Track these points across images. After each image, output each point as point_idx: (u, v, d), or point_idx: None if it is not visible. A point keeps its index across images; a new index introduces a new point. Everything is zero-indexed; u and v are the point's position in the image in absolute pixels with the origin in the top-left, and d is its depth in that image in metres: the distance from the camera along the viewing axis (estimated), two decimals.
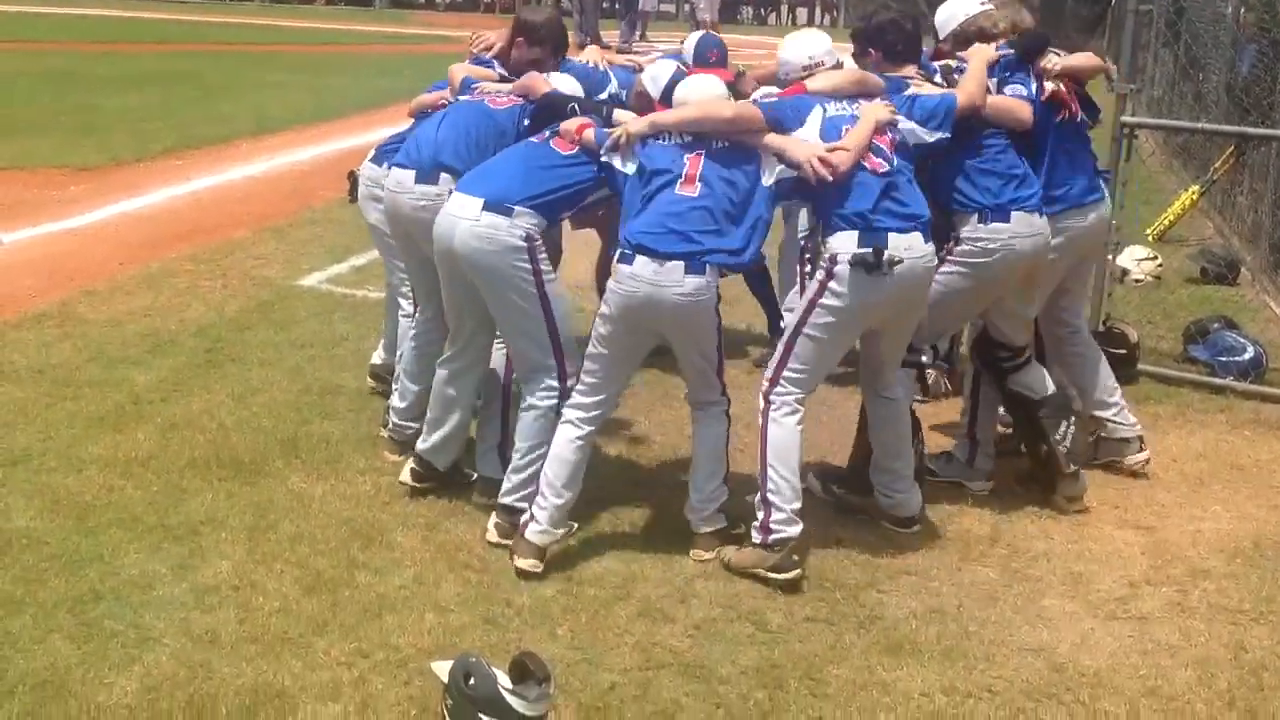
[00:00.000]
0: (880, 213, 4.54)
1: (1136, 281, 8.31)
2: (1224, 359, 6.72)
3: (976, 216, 4.93)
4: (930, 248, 4.65)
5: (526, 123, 5.10)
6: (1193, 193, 9.85)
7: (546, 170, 4.78)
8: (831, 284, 4.55)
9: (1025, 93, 5.11)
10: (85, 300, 7.49)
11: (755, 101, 4.85)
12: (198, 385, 6.22)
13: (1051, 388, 5.31)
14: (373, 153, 5.86)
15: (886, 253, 4.46)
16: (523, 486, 4.75)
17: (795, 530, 4.55)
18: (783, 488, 4.56)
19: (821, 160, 4.51)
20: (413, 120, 5.67)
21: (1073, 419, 5.42)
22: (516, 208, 4.66)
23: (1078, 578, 4.69)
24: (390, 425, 5.51)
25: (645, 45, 22.99)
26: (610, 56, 5.95)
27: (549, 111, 5.01)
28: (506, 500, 4.78)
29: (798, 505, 4.59)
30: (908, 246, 4.53)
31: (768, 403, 4.65)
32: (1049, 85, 5.17)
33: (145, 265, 8.26)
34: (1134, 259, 8.39)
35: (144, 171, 11.35)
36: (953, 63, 5.20)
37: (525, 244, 4.65)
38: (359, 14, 29.79)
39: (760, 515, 4.58)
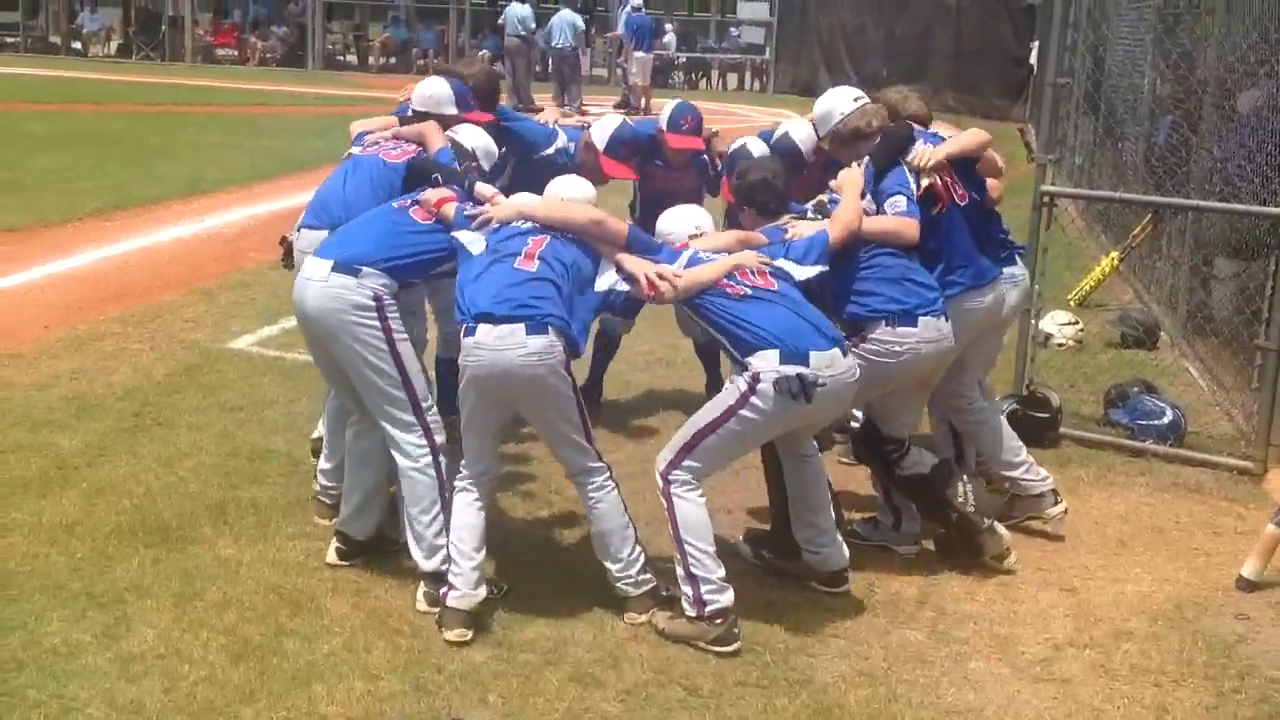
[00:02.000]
0: (798, 331, 4.61)
1: (1059, 346, 8.47)
2: (1144, 423, 6.85)
3: (884, 321, 4.99)
4: (851, 362, 4.72)
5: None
6: (1113, 259, 10.07)
7: (400, 235, 4.85)
8: (754, 399, 4.57)
9: (904, 204, 5.10)
10: (10, 363, 7.39)
11: (630, 228, 4.94)
12: (124, 450, 6.15)
13: (932, 458, 5.36)
14: (302, 217, 5.84)
15: (810, 375, 4.51)
16: (433, 553, 4.76)
17: (728, 597, 4.58)
18: (703, 560, 4.59)
19: (659, 275, 4.66)
20: None
21: (965, 478, 5.52)
22: (364, 268, 4.70)
23: (1004, 639, 4.76)
24: (318, 488, 5.48)
25: (583, 107, 23.19)
26: (563, 118, 6.04)
27: (418, 175, 5.13)
28: (428, 568, 4.77)
29: (722, 573, 4.62)
30: (829, 365, 4.59)
31: (667, 481, 4.68)
32: (923, 180, 5.20)
33: (72, 328, 8.17)
34: (1056, 324, 8.55)
35: (72, 232, 11.24)
36: (825, 196, 5.27)
37: (373, 303, 4.69)
38: (291, 75, 29.79)
39: (689, 590, 4.59)
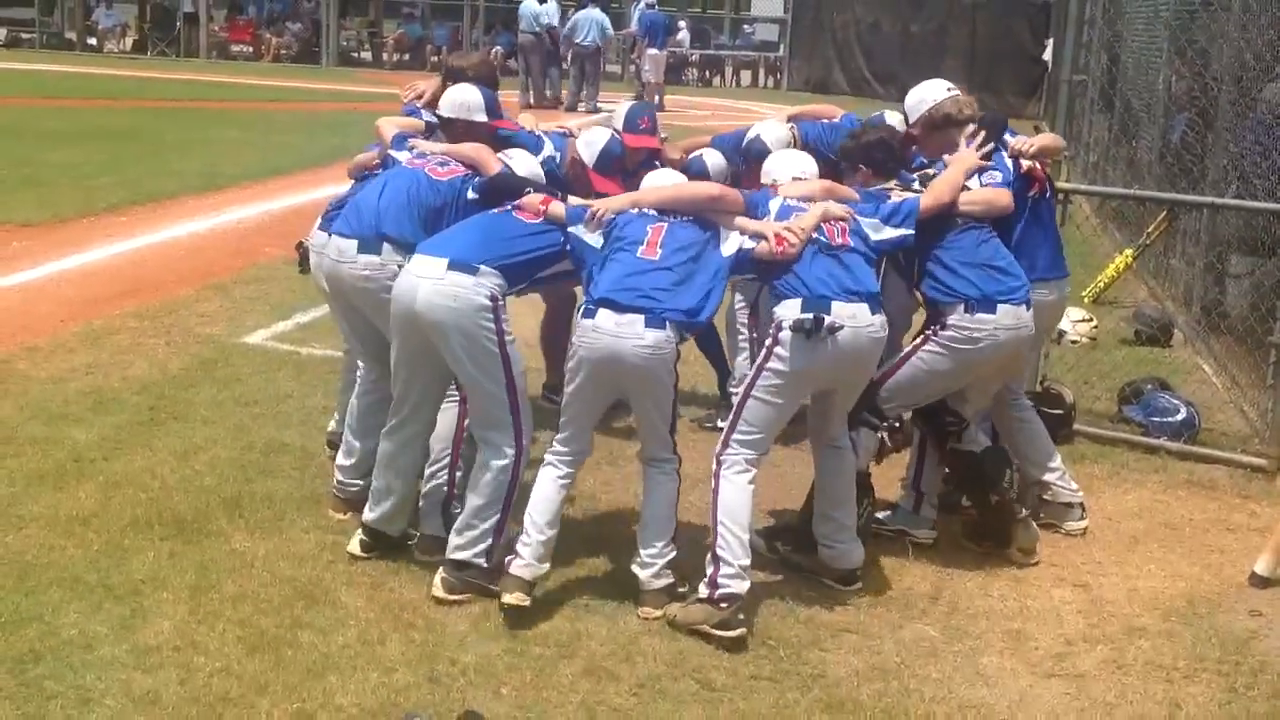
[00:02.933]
0: (825, 283, 4.70)
1: (1073, 343, 8.46)
2: (1157, 420, 6.85)
3: (963, 307, 5.02)
4: (879, 318, 4.76)
5: (472, 195, 5.13)
6: (1127, 256, 10.06)
7: (510, 239, 4.86)
8: (777, 349, 4.68)
9: (1001, 178, 5.22)
10: (27, 357, 7.43)
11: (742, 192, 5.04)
12: (140, 443, 6.18)
13: (988, 441, 5.44)
14: (319, 220, 5.79)
15: (827, 319, 4.59)
16: (473, 543, 4.78)
17: (742, 586, 4.60)
18: (732, 544, 4.63)
19: (787, 229, 4.73)
20: (352, 182, 5.71)
21: (1015, 466, 5.54)
22: (482, 267, 4.71)
23: (1016, 635, 4.76)
24: (335, 483, 5.51)
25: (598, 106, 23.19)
26: (544, 125, 6.00)
27: (503, 193, 5.09)
28: (457, 556, 4.79)
29: (746, 562, 4.65)
30: (851, 315, 4.67)
31: (719, 462, 4.76)
32: (1025, 163, 5.33)
33: (88, 322, 8.20)
34: (1070, 321, 8.54)
35: (87, 227, 11.28)
36: (931, 171, 5.32)
37: (490, 303, 4.70)
38: (306, 71, 29.85)
39: (709, 570, 4.64)
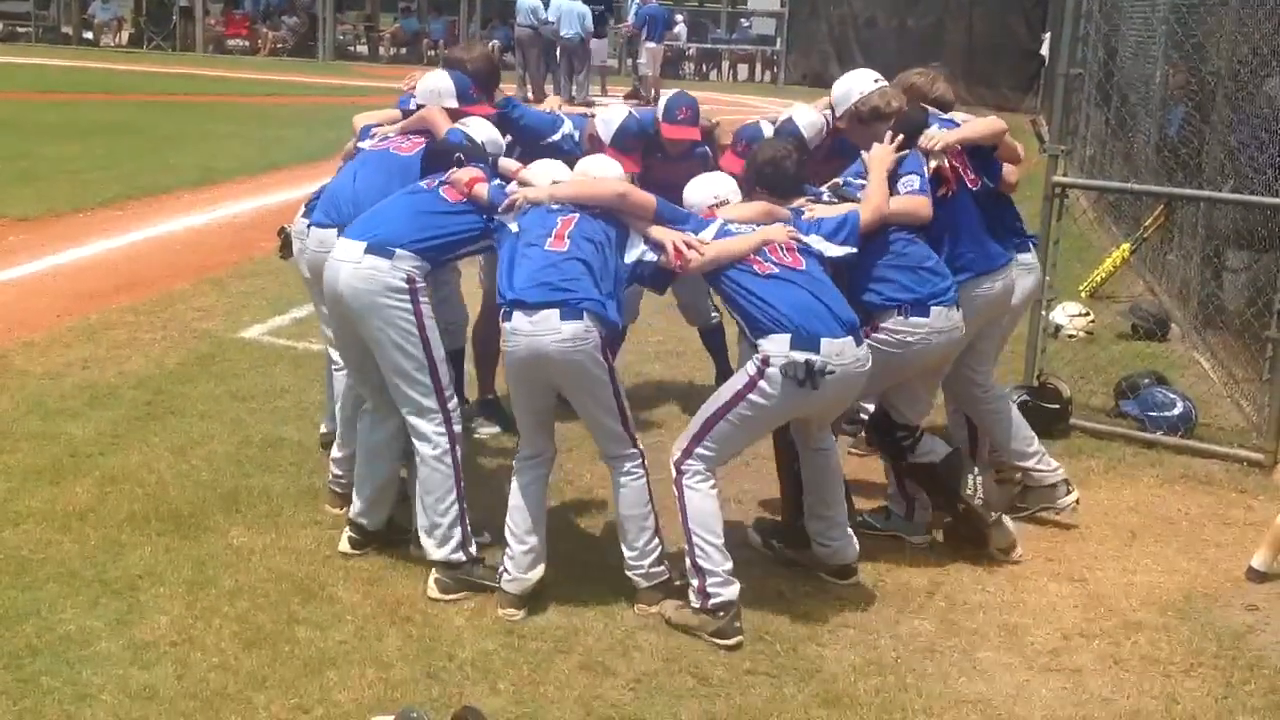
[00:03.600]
0: (809, 315, 4.60)
1: (1070, 337, 8.47)
2: (1154, 414, 6.85)
3: (897, 310, 4.97)
4: (863, 351, 4.69)
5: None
6: (1124, 250, 10.06)
7: (432, 216, 4.86)
8: (762, 384, 4.58)
9: (918, 184, 5.09)
10: (23, 352, 7.42)
11: (658, 199, 4.93)
12: (136, 438, 6.18)
13: (945, 448, 5.35)
14: (303, 208, 5.79)
15: (819, 362, 4.50)
16: (445, 541, 4.78)
17: (732, 591, 4.59)
18: (710, 552, 4.61)
19: (686, 244, 4.67)
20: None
21: (975, 471, 5.52)
22: (398, 250, 4.71)
23: (1013, 630, 4.77)
24: (330, 477, 5.50)
25: (589, 98, 23.19)
26: (568, 106, 6.00)
27: (438, 158, 5.11)
28: (437, 557, 4.79)
29: (729, 565, 4.62)
30: (839, 353, 4.56)
31: (680, 472, 4.70)
32: (932, 162, 5.18)
33: (84, 317, 8.20)
34: (1067, 315, 8.56)
35: (84, 222, 11.28)
36: (840, 180, 5.24)
37: (406, 285, 4.70)
38: (302, 65, 29.81)
39: (695, 582, 4.61)
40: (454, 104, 5.47)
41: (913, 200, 5.07)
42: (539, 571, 4.72)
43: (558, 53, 23.96)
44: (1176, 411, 6.85)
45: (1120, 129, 11.47)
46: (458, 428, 4.85)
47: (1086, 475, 6.21)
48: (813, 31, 30.15)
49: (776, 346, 4.56)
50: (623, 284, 4.78)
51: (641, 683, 4.27)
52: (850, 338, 4.63)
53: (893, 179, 5.11)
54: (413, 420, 4.83)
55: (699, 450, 4.69)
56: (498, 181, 4.98)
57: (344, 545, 5.08)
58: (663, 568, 4.76)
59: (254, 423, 6.46)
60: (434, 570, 4.80)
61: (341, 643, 4.42)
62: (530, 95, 22.81)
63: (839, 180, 5.26)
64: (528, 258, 4.64)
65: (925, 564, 5.25)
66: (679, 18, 31.86)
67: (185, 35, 32.77)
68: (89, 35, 33.93)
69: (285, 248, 6.00)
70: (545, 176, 5.02)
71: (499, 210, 4.83)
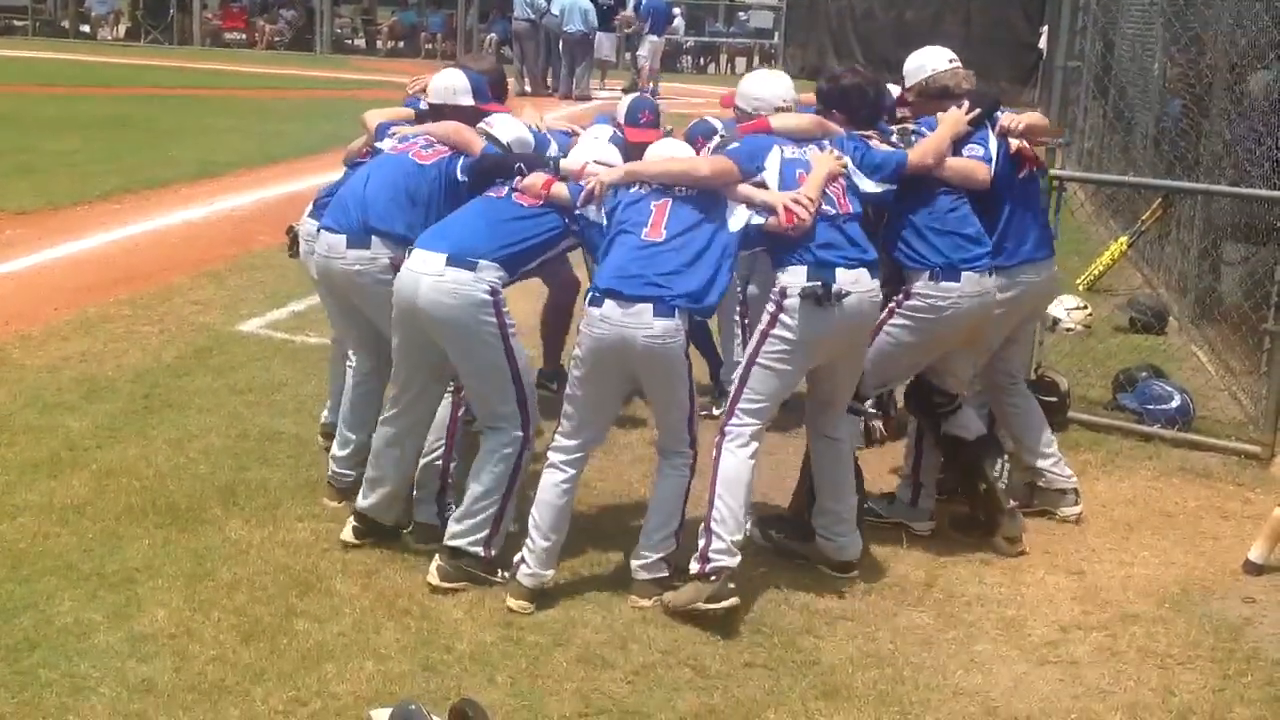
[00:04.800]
0: (829, 249, 4.68)
1: (1067, 330, 8.47)
2: (1152, 407, 6.85)
3: (928, 274, 5.03)
4: (876, 284, 4.78)
5: (461, 177, 5.07)
6: (1122, 243, 10.06)
7: (510, 223, 4.81)
8: (782, 316, 4.67)
9: (982, 153, 5.20)
10: (20, 345, 7.42)
11: (724, 151, 4.95)
12: (134, 431, 6.18)
13: (983, 428, 5.43)
14: (310, 206, 5.78)
15: (835, 286, 4.59)
16: (472, 531, 4.77)
17: (733, 561, 4.61)
18: (727, 517, 4.64)
19: (795, 201, 4.66)
20: (345, 169, 5.68)
21: (1006, 457, 5.52)
22: (480, 261, 4.67)
23: (1011, 622, 4.77)
24: (330, 473, 5.50)
25: (588, 92, 23.18)
26: (550, 122, 5.95)
27: (495, 172, 5.02)
28: (455, 543, 4.78)
29: (739, 538, 4.67)
30: (854, 280, 4.67)
31: (723, 434, 4.76)
32: (1013, 142, 5.29)
33: (82, 310, 8.19)
34: (1065, 308, 8.55)
35: (81, 215, 11.26)
36: (910, 125, 5.30)
37: (490, 297, 4.67)
38: (300, 59, 29.77)
39: (701, 543, 4.65)
40: (469, 101, 5.40)
41: (972, 163, 5.16)
42: (551, 572, 4.73)
43: (560, 46, 23.92)
44: (1174, 405, 6.85)
45: (1118, 121, 11.46)
46: (531, 431, 4.83)
47: (1084, 468, 6.21)
48: (810, 24, 30.11)
49: (793, 278, 4.65)
50: (732, 256, 4.75)
51: (640, 675, 4.27)
52: (865, 269, 4.71)
53: (959, 146, 5.18)
54: (489, 421, 4.83)
55: (741, 404, 4.75)
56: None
57: (346, 534, 5.07)
58: (665, 569, 4.76)
59: (252, 416, 6.46)
60: (437, 557, 4.79)
61: (339, 635, 4.42)
62: (528, 89, 22.80)
63: (910, 126, 5.30)
64: (622, 245, 4.64)
65: (923, 556, 5.26)
66: (676, 11, 31.79)
67: (182, 28, 32.72)
68: (86, 28, 33.87)
69: (294, 246, 5.99)
70: (586, 155, 5.00)
71: (579, 204, 4.80)
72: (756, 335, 4.79)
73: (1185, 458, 6.48)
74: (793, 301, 4.64)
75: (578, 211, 4.82)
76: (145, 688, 4.04)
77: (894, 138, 5.22)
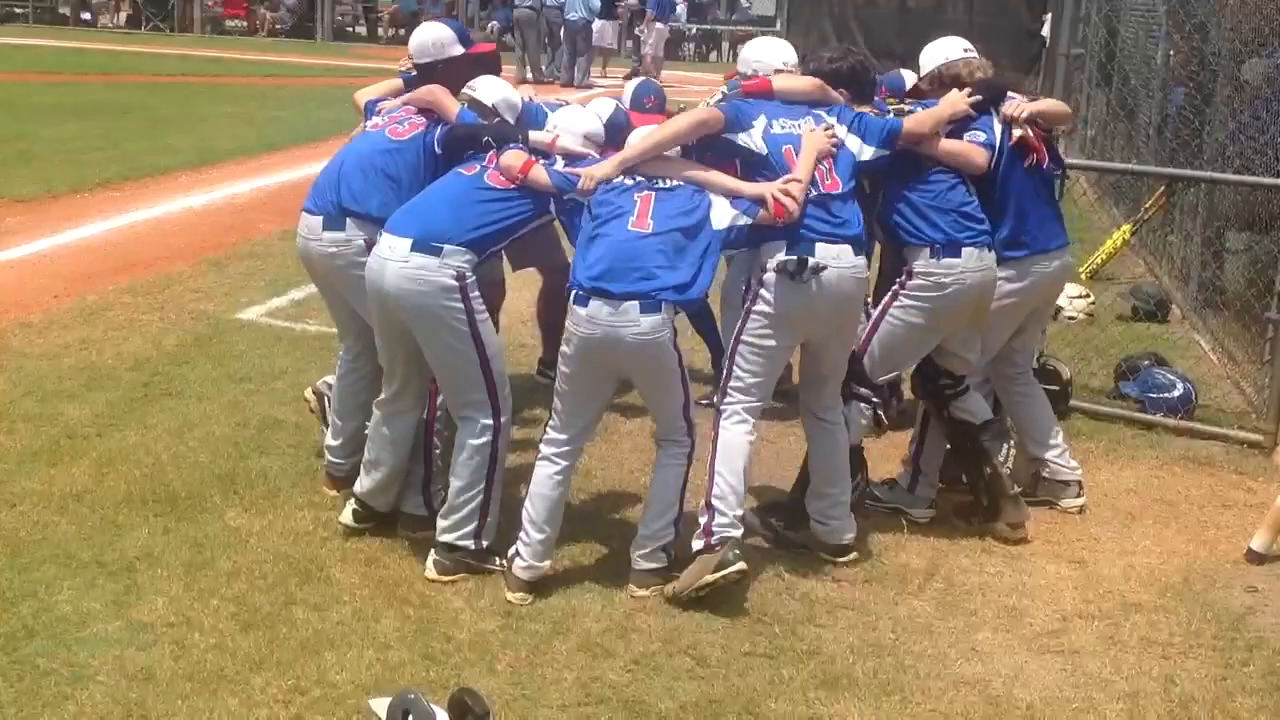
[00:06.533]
0: (809, 225, 4.67)
1: (1070, 319, 8.45)
2: (1154, 396, 6.84)
3: (928, 251, 5.02)
4: (861, 261, 4.77)
5: (438, 150, 5.00)
6: (1124, 232, 10.03)
7: (479, 205, 4.71)
8: (762, 291, 4.70)
9: (984, 138, 5.19)
10: (20, 333, 7.41)
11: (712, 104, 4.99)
12: (134, 420, 6.16)
13: (989, 412, 5.41)
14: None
15: (811, 261, 4.60)
16: (461, 524, 4.76)
17: (736, 533, 4.63)
18: (727, 493, 4.66)
19: (784, 192, 4.64)
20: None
21: (1012, 442, 5.51)
22: (446, 246, 4.60)
23: (1012, 611, 4.76)
24: (325, 461, 5.49)
25: (590, 81, 23.14)
26: (541, 93, 5.90)
27: (466, 143, 4.95)
28: (446, 539, 4.77)
29: (740, 512, 4.69)
30: (835, 256, 4.67)
31: (719, 413, 4.78)
32: (1016, 131, 5.26)
33: (81, 298, 8.18)
34: (1067, 297, 8.51)
35: (81, 203, 11.24)
36: (906, 106, 5.30)
37: (456, 283, 4.60)
38: (300, 46, 29.72)
39: (703, 520, 4.66)
40: (459, 50, 5.28)
41: (970, 147, 5.16)
42: (547, 564, 4.71)
43: (561, 34, 23.86)
44: (1176, 393, 6.84)
45: (1121, 109, 11.43)
46: (505, 418, 4.79)
47: (1086, 457, 6.20)
48: (812, 12, 29.98)
49: (771, 253, 4.68)
50: (715, 253, 4.70)
51: (640, 664, 4.26)
52: (848, 245, 4.70)
53: (961, 130, 5.18)
54: (459, 411, 4.80)
55: (732, 382, 4.78)
56: (557, 164, 4.79)
57: (346, 517, 5.06)
58: (665, 557, 4.74)
59: (251, 404, 6.44)
60: (433, 552, 4.78)
61: (339, 624, 4.41)
62: (529, 76, 22.74)
63: (905, 106, 5.32)
64: (607, 236, 4.59)
65: (924, 545, 5.24)
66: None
67: (183, 16, 32.69)
68: (87, 16, 33.82)
69: None
70: (565, 123, 4.95)
71: (570, 194, 4.71)
72: (743, 313, 4.81)
73: (1188, 446, 6.46)
74: (769, 276, 4.67)
75: (566, 199, 4.74)
76: (144, 676, 4.03)
77: (890, 116, 5.19)
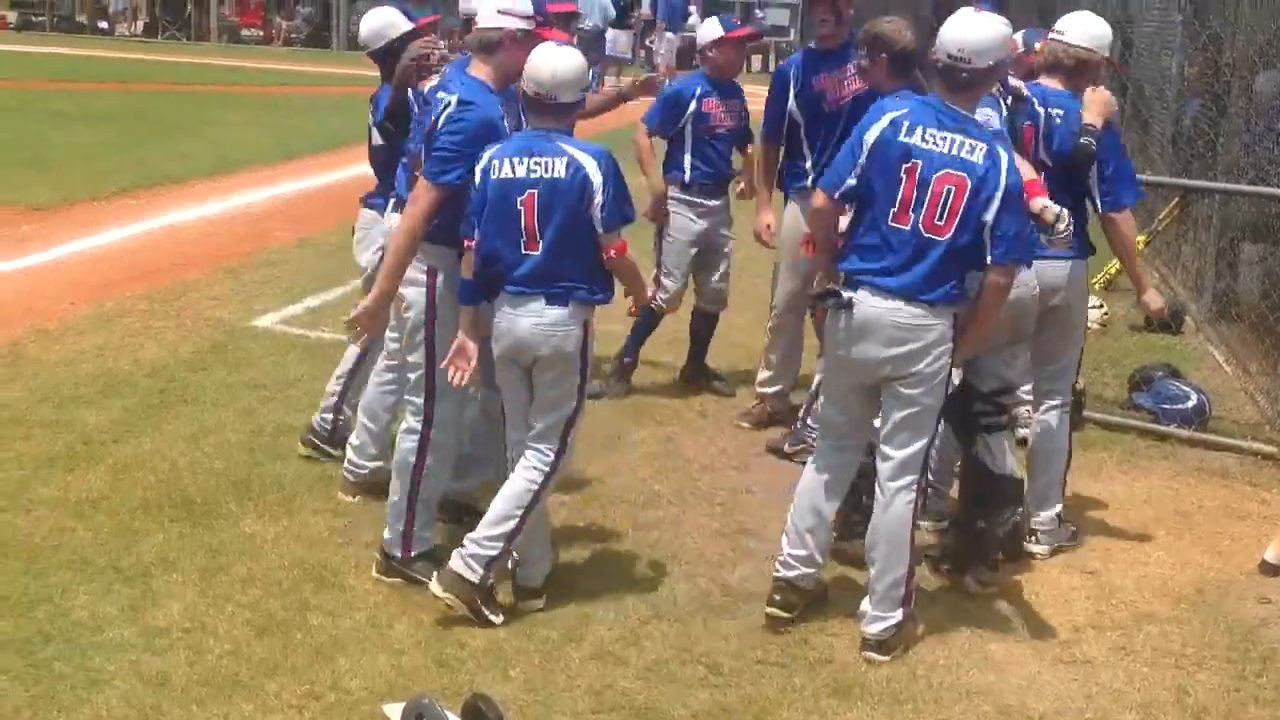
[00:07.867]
0: (872, 261, 4.35)
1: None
2: (1167, 407, 6.83)
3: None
4: (916, 320, 4.28)
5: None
6: (1138, 242, 10.00)
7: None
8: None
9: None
10: (37, 340, 7.44)
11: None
12: (150, 426, 6.19)
13: (1013, 469, 4.99)
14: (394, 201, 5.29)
15: (845, 295, 4.33)
16: (480, 556, 4.50)
17: (788, 574, 4.60)
18: (788, 529, 4.63)
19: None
20: None
21: (1019, 510, 5.08)
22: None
23: (1025, 621, 4.75)
24: (345, 465, 5.51)
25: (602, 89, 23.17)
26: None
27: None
28: (461, 572, 4.47)
29: (799, 552, 4.59)
30: (873, 305, 4.30)
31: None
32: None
33: (98, 305, 8.22)
34: None
35: (98, 210, 11.29)
36: (1025, 92, 5.13)
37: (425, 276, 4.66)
38: (316, 55, 29.84)
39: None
40: (407, 26, 5.65)
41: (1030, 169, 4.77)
42: (548, 565, 4.72)
43: (574, 43, 23.89)
44: (1190, 404, 6.83)
45: (1135, 120, 11.42)
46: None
47: (1100, 467, 6.20)
48: None
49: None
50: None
51: (652, 672, 4.27)
52: (902, 301, 4.29)
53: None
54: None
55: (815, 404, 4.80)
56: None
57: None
58: (481, 572, 4.45)
59: (266, 411, 6.47)
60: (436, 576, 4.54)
61: (353, 630, 4.42)
62: None
63: (1025, 90, 5.15)
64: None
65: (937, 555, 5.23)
66: (692, 8, 31.75)
67: (199, 25, 32.86)
68: (104, 25, 34.01)
69: None
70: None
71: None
72: None
73: (1201, 458, 6.45)
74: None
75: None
76: (159, 681, 4.05)
77: (1008, 99, 4.98)
